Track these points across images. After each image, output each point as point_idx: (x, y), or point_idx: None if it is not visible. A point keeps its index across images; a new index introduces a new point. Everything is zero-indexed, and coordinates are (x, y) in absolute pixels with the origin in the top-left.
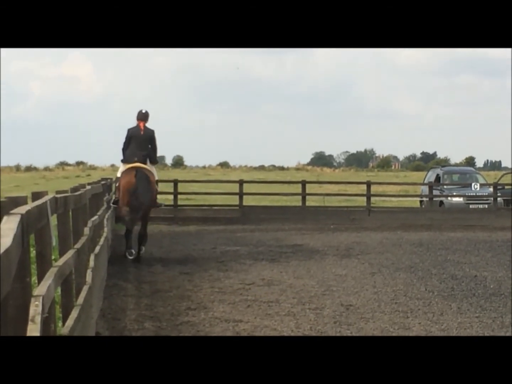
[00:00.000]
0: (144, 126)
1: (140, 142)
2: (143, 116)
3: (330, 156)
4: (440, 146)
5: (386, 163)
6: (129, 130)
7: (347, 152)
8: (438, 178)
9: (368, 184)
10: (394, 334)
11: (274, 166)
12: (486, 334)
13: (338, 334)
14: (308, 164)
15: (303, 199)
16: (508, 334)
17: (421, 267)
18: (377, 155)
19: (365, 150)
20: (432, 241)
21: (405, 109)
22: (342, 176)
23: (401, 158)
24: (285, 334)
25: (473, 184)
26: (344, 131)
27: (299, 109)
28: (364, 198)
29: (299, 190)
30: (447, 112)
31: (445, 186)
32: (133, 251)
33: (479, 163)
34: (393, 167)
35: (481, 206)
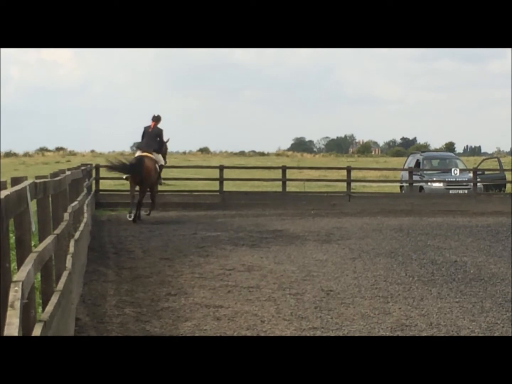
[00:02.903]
0: (154, 126)
1: (149, 137)
2: (154, 118)
3: (311, 142)
4: (420, 132)
5: (366, 148)
6: (144, 128)
7: (327, 137)
8: (418, 163)
9: (348, 170)
10: (374, 319)
11: (254, 151)
12: (466, 319)
13: (318, 319)
14: (289, 149)
15: (284, 185)
16: (488, 319)
17: (401, 252)
18: (357, 140)
19: (345, 136)
20: (412, 226)
21: (385, 94)
22: (322, 161)
23: (381, 143)
24: (266, 319)
25: (453, 169)
26: (324, 117)
27: (279, 94)
28: (345, 184)
29: (280, 176)
30: (427, 97)
31: (425, 172)
32: (132, 214)
33: (459, 148)
34: (373, 153)
35: (460, 191)
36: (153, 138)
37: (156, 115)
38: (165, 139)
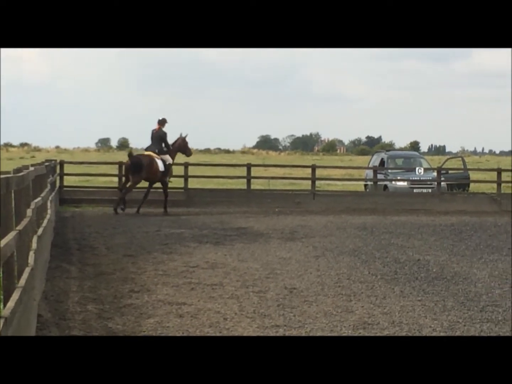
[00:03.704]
0: (159, 129)
1: (154, 139)
2: (159, 122)
3: (276, 140)
4: (385, 131)
5: (331, 147)
6: (152, 131)
7: (292, 135)
8: (382, 162)
9: (313, 168)
10: (337, 317)
11: (219, 149)
12: (428, 318)
13: (281, 317)
14: (254, 147)
15: (248, 182)
16: (449, 317)
17: (364, 251)
18: (322, 138)
19: (311, 134)
20: (376, 225)
21: (351, 93)
22: (288, 159)
23: (346, 142)
24: (228, 317)
25: (417, 168)
26: (290, 115)
27: (245, 92)
28: (309, 182)
29: (245, 173)
30: (393, 96)
31: (389, 170)
32: (120, 208)
33: (424, 147)
34: (338, 151)
35: (424, 190)
36: (157, 140)
37: (160, 118)
38: (169, 140)
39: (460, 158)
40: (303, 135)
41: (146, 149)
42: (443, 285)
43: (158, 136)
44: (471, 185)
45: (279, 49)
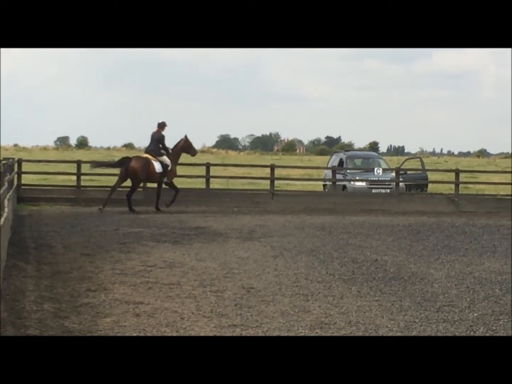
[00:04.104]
0: (158, 131)
1: (152, 141)
2: (159, 125)
3: (235, 139)
4: (345, 131)
5: (290, 146)
6: (152, 133)
7: (252, 135)
8: (341, 162)
9: (272, 168)
10: (294, 317)
11: None
12: (384, 317)
13: (238, 316)
14: (213, 146)
15: (207, 182)
16: (406, 317)
17: (322, 251)
18: (282, 138)
19: (270, 134)
20: (335, 225)
21: (311, 93)
22: (247, 159)
23: (305, 142)
24: (185, 316)
25: (375, 169)
26: (250, 114)
27: (205, 91)
28: (268, 182)
29: (204, 173)
30: (353, 96)
31: (348, 171)
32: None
33: (383, 148)
34: (297, 151)
35: (383, 190)
36: (154, 142)
37: (160, 122)
38: (166, 142)
39: (419, 159)
40: (262, 135)
41: (145, 151)
42: (400, 285)
43: (157, 139)
44: (429, 185)
45: (240, 48)
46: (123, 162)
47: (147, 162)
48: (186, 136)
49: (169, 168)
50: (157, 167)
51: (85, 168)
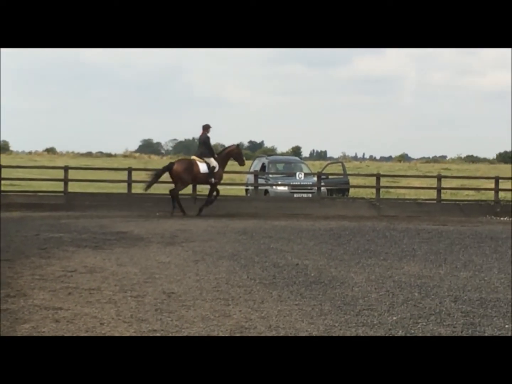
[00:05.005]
0: (202, 133)
1: (200, 144)
2: (203, 127)
3: (158, 144)
4: (268, 135)
5: None
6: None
7: (175, 139)
8: (263, 167)
9: None
10: (214, 322)
11: (101, 152)
12: (304, 321)
13: (158, 321)
14: (136, 151)
15: (129, 186)
16: (326, 321)
17: (244, 255)
18: None
19: (193, 138)
20: (256, 229)
21: (233, 97)
22: None
23: None
24: (105, 321)
25: (297, 173)
26: (172, 119)
27: (126, 95)
28: (190, 186)
29: (126, 177)
30: (275, 101)
31: (270, 175)
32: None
33: (306, 152)
34: None
35: (305, 195)
36: (201, 144)
37: (204, 124)
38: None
39: (340, 163)
40: (185, 139)
41: (194, 154)
42: (320, 289)
43: (201, 141)
44: (351, 190)
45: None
46: (168, 167)
47: (191, 164)
48: (238, 145)
49: (216, 169)
50: (202, 168)
51: (6, 173)
